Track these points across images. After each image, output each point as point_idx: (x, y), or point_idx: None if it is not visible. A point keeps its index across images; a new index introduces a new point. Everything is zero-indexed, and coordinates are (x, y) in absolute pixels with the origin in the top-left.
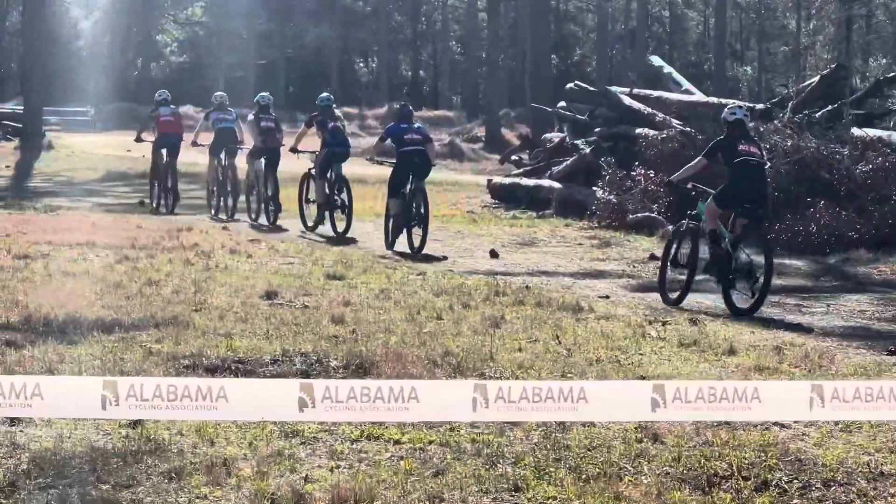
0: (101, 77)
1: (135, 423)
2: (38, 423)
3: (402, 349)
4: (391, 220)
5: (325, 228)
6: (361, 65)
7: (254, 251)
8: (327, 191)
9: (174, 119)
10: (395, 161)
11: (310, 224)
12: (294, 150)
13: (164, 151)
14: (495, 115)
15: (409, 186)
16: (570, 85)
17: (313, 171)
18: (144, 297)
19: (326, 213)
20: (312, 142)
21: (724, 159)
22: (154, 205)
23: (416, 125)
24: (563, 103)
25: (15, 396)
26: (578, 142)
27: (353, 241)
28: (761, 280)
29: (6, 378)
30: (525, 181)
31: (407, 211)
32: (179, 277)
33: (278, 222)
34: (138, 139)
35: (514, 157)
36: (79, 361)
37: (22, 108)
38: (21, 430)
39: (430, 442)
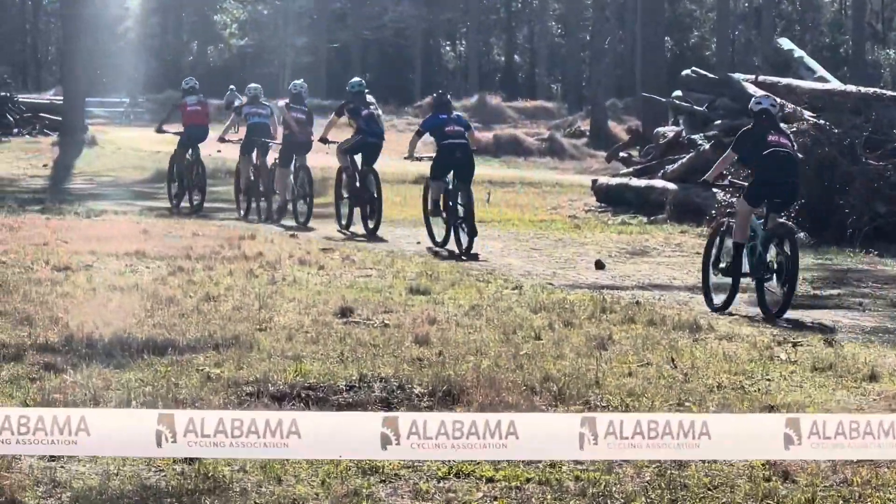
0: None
1: (191, 459)
2: (81, 457)
3: (495, 374)
4: (430, 207)
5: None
6: (448, 49)
7: (326, 262)
8: (357, 184)
9: (201, 109)
10: (433, 156)
11: (343, 222)
12: (324, 140)
13: (189, 145)
14: (601, 106)
15: (451, 183)
16: (686, 72)
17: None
18: (201, 314)
19: (356, 209)
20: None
21: (752, 151)
22: (174, 204)
23: (455, 115)
24: (678, 92)
25: (58, 431)
26: (696, 136)
27: (382, 239)
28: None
29: (47, 411)
30: (635, 182)
31: (453, 210)
32: (241, 292)
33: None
34: (159, 130)
35: (622, 155)
36: (127, 388)
37: (61, 98)
38: (62, 466)
39: (528, 480)
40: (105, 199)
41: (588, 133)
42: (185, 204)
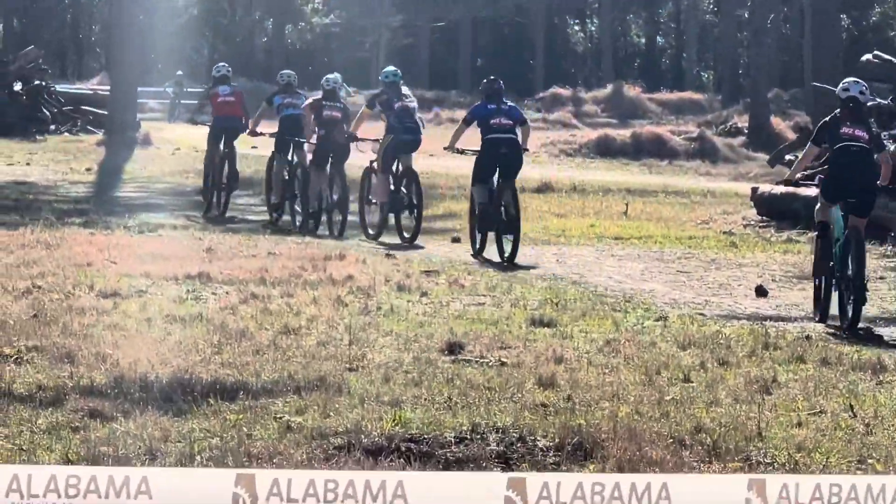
0: (216, 46)
1: None
2: None
3: (635, 423)
4: (475, 216)
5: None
6: (577, 28)
7: (430, 287)
8: (392, 187)
9: (234, 99)
10: (477, 150)
11: (372, 232)
12: (352, 137)
13: (221, 139)
14: (762, 98)
15: (496, 183)
16: (866, 57)
17: (375, 165)
18: (280, 350)
19: (391, 216)
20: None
21: (828, 144)
22: (209, 206)
23: (505, 105)
24: None
25: (114, 494)
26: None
27: (420, 247)
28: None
29: (101, 470)
30: (804, 191)
31: (494, 214)
32: (328, 324)
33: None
34: (193, 122)
35: (788, 157)
36: (191, 440)
37: (107, 88)
38: None
39: None
40: (161, 211)
41: (746, 131)
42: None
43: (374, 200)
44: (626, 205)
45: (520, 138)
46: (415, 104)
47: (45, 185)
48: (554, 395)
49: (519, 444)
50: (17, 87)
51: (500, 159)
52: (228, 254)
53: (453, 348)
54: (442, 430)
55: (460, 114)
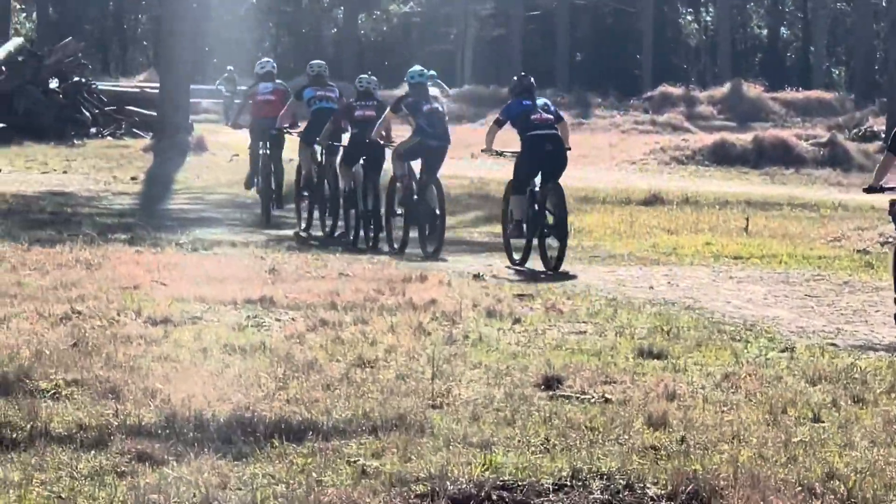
0: (279, 38)
1: None
2: None
3: (759, 468)
4: (510, 227)
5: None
6: (690, 19)
7: (523, 313)
8: (416, 196)
9: (276, 98)
10: (517, 151)
11: (396, 246)
12: (374, 141)
13: (262, 142)
14: None
15: (537, 185)
16: None
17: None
18: (353, 385)
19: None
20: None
21: None
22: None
23: (541, 101)
24: None
25: None
26: None
27: (443, 260)
28: None
29: None
30: None
31: (538, 217)
32: (408, 355)
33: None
34: (235, 125)
35: None
36: (252, 488)
37: (156, 85)
38: None
39: None
40: (217, 226)
41: (883, 135)
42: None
43: (399, 212)
44: (747, 219)
45: (564, 136)
46: (444, 108)
47: (84, 197)
48: (665, 436)
49: (626, 493)
50: (54, 84)
51: (544, 157)
52: (294, 275)
53: (551, 383)
54: (538, 476)
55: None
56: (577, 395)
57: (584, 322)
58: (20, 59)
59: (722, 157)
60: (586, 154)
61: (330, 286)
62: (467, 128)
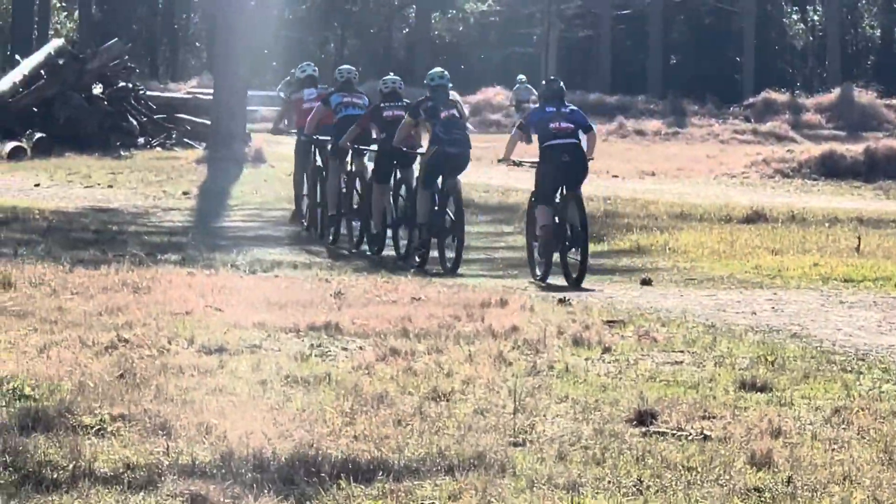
0: (345, 39)
1: None
2: None
3: None
4: (537, 239)
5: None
6: (796, 18)
7: (614, 341)
8: (436, 207)
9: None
10: (535, 161)
11: (418, 258)
12: (396, 149)
13: (312, 151)
14: None
15: (559, 195)
16: None
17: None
18: (427, 420)
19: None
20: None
21: None
22: (307, 227)
23: (567, 108)
24: None
25: None
26: None
27: (460, 275)
28: None
29: None
30: None
31: (559, 230)
32: (487, 387)
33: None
34: (276, 131)
35: None
36: None
37: (209, 91)
38: None
39: None
40: (277, 245)
41: None
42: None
43: (419, 222)
44: (858, 238)
45: (584, 145)
46: (464, 113)
47: (131, 213)
48: (770, 476)
49: None
50: (98, 89)
51: (561, 168)
52: (362, 299)
53: (644, 418)
54: None
55: (648, 124)
56: (673, 432)
57: (680, 351)
58: (61, 62)
59: (831, 169)
60: (682, 167)
61: (401, 312)
62: None
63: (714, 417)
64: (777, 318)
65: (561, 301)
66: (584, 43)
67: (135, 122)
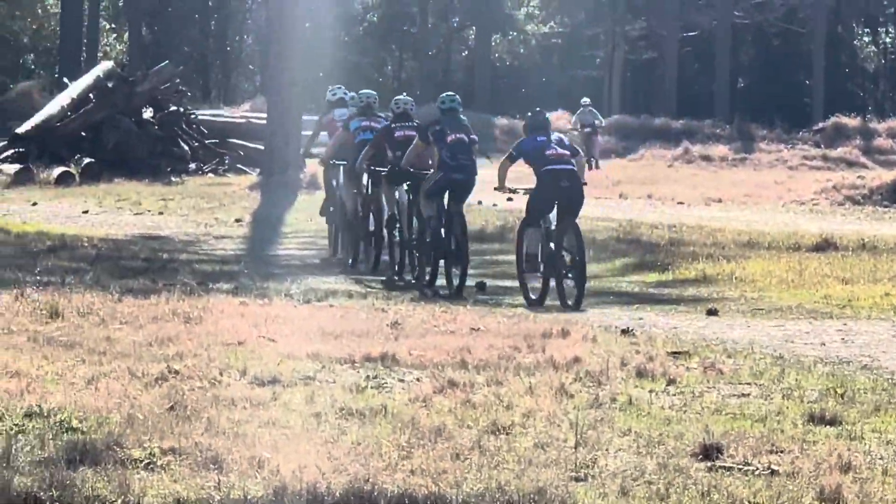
0: (402, 61)
1: None
2: None
3: None
4: (524, 263)
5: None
6: (867, 40)
7: (678, 372)
8: (442, 231)
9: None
10: (530, 188)
11: (427, 279)
12: (405, 171)
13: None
14: None
15: (552, 222)
16: None
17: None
18: (486, 454)
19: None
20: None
21: None
22: (339, 255)
23: (555, 137)
24: None
25: None
26: None
27: (464, 299)
28: None
29: None
30: None
31: (554, 256)
32: (548, 420)
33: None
34: (307, 155)
35: None
36: None
37: (263, 116)
38: None
39: None
40: (333, 274)
41: None
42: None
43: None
44: None
45: (580, 171)
46: (474, 138)
47: (182, 241)
48: None
49: None
50: (148, 113)
51: (560, 193)
52: (419, 329)
53: (709, 452)
54: None
55: (714, 149)
56: (740, 466)
57: (746, 383)
58: (110, 85)
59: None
60: (749, 193)
61: (460, 342)
62: (616, 163)
63: (782, 452)
64: (847, 349)
65: (624, 331)
66: (648, 65)
67: (186, 147)
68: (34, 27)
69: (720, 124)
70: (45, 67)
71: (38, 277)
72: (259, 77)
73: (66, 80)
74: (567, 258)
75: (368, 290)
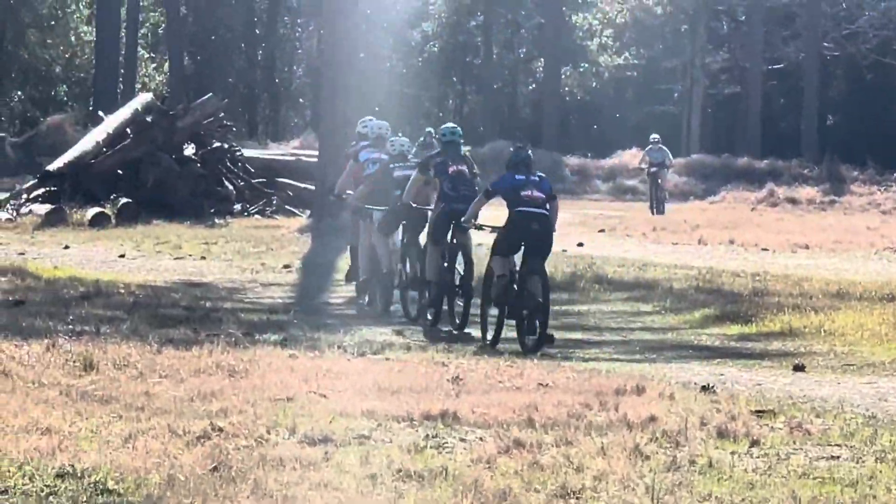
0: (465, 95)
1: None
2: None
3: None
4: (493, 289)
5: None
6: None
7: (762, 433)
8: (445, 264)
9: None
10: (498, 227)
11: (414, 313)
12: (408, 206)
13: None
14: None
15: (522, 266)
16: None
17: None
18: None
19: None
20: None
21: None
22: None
23: (535, 176)
24: None
25: None
26: None
27: (469, 337)
28: None
29: None
30: None
31: (518, 299)
32: (622, 483)
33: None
34: (338, 196)
35: None
36: None
37: (314, 153)
38: None
39: None
40: (389, 324)
41: None
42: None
43: (429, 279)
44: None
45: (553, 218)
46: (474, 170)
47: (227, 288)
48: None
49: None
50: (190, 150)
51: (530, 235)
52: (483, 385)
53: None
54: None
55: (801, 192)
56: None
57: (836, 445)
58: (149, 119)
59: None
60: (839, 240)
61: (526, 399)
62: (695, 206)
63: None
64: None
65: (704, 388)
66: (731, 101)
67: (231, 187)
68: (67, 56)
69: (808, 164)
70: (78, 100)
71: (70, 327)
72: (310, 111)
73: (101, 113)
74: (529, 301)
75: (426, 342)
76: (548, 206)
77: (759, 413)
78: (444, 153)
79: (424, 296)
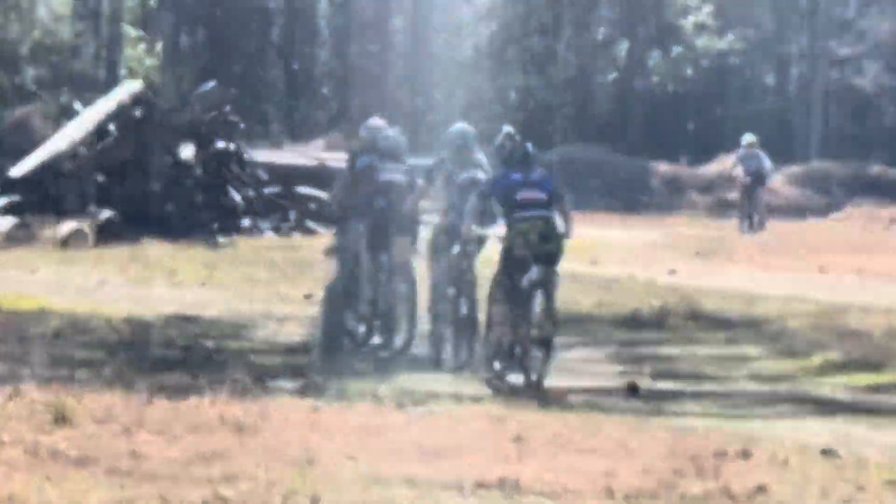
0: (528, 87)
1: None
2: None
3: None
4: (491, 331)
5: None
6: None
7: None
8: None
9: (403, 178)
10: (502, 236)
11: (442, 356)
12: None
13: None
14: None
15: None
16: None
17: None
18: None
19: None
20: None
21: None
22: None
23: (534, 174)
24: None
25: None
26: None
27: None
28: None
29: None
30: None
31: (522, 318)
32: None
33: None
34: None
35: None
36: None
37: (343, 156)
38: None
39: None
40: (434, 370)
41: None
42: None
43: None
44: None
45: (564, 219)
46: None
47: (233, 323)
48: None
49: None
50: (188, 152)
51: (531, 249)
52: (550, 446)
53: None
54: None
55: None
56: None
57: None
58: (137, 113)
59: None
60: None
61: (604, 464)
62: (812, 224)
63: None
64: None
65: (825, 452)
66: (858, 93)
67: (238, 198)
68: (35, 34)
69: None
70: (50, 88)
71: (38, 371)
72: (336, 106)
73: (77, 105)
74: (534, 321)
75: (481, 393)
76: (552, 208)
77: (891, 483)
78: (453, 160)
79: (414, 329)
